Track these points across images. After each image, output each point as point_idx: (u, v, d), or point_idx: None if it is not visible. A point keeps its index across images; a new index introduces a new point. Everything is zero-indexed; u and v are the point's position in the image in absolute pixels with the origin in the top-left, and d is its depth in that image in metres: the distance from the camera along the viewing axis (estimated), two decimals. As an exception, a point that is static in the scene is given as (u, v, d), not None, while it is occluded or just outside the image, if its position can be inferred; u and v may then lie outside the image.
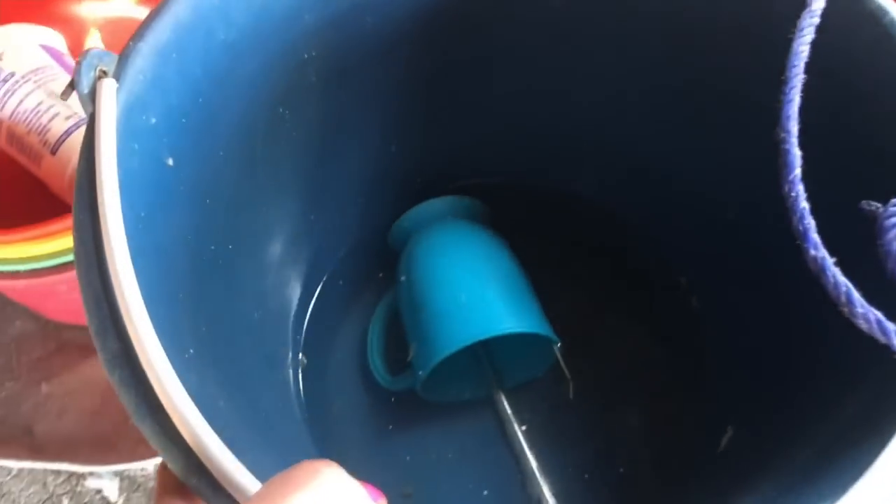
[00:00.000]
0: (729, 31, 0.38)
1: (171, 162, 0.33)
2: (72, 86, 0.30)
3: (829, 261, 0.25)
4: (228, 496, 0.22)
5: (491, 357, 0.50)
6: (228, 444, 0.22)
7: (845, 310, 0.24)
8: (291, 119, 0.42)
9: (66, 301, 0.51)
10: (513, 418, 0.47)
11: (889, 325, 0.24)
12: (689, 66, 0.41)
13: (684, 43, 0.40)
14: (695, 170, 0.46)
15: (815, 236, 0.26)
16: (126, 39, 0.31)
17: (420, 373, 0.44)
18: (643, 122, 0.46)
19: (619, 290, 0.51)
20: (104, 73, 0.30)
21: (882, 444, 0.24)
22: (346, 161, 0.47)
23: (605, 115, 0.48)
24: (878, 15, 0.31)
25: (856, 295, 0.24)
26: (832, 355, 0.34)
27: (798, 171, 0.27)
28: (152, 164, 0.31)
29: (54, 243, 0.44)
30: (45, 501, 0.51)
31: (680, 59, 0.41)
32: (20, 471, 0.52)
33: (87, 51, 0.30)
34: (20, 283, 0.46)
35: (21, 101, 0.48)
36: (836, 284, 0.25)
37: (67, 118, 0.48)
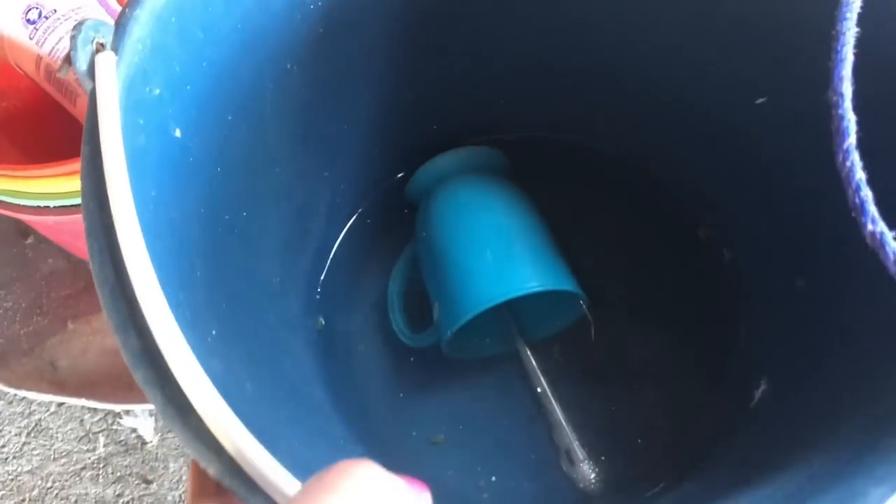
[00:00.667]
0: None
1: (178, 133, 0.31)
2: (68, 61, 0.28)
3: (889, 235, 0.24)
4: (265, 495, 0.22)
5: (514, 312, 0.49)
6: (260, 436, 0.22)
7: None
8: (300, 74, 0.40)
9: (94, 239, 0.51)
10: (538, 370, 0.47)
11: None
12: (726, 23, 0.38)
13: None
14: (723, 106, 0.44)
15: (872, 209, 0.24)
16: None
17: (448, 331, 0.43)
18: (668, 56, 0.44)
19: (646, 242, 0.50)
20: (102, 46, 0.28)
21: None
22: (357, 115, 0.45)
23: (628, 50, 0.45)
24: None
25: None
26: (879, 311, 0.32)
27: (853, 139, 0.25)
28: (160, 137, 0.30)
29: (78, 181, 0.44)
30: (81, 438, 0.52)
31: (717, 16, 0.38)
32: (59, 407, 0.53)
33: (81, 22, 0.28)
34: (50, 220, 0.46)
35: (61, 39, 0.47)
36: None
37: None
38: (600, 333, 0.47)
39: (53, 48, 0.48)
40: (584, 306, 0.45)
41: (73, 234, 0.52)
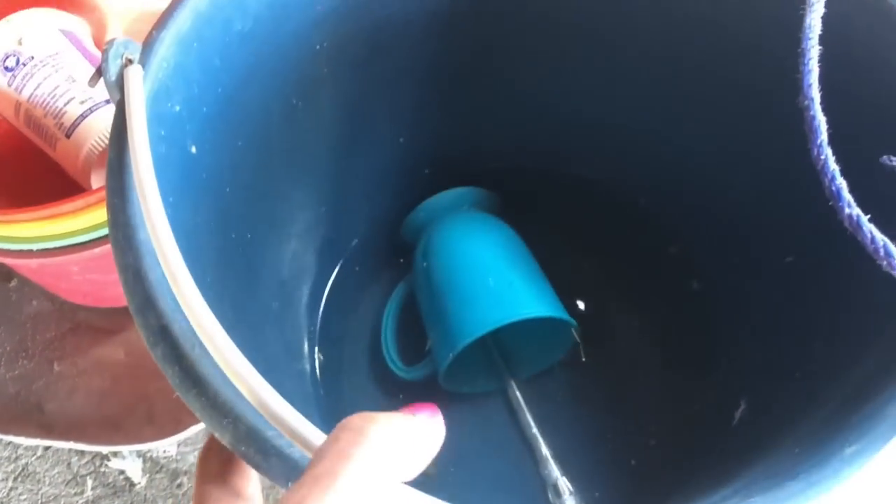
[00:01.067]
0: (733, 18, 0.39)
1: (194, 149, 0.33)
2: (99, 73, 0.30)
3: (864, 217, 0.26)
4: (279, 461, 0.22)
5: (503, 347, 0.50)
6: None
7: (884, 263, 0.25)
8: (304, 109, 0.42)
9: (78, 282, 0.51)
10: (525, 406, 0.48)
11: None
12: (692, 55, 0.42)
13: (688, 34, 0.41)
14: (699, 151, 0.47)
15: (847, 195, 0.27)
16: (148, 28, 0.31)
17: (450, 354, 0.44)
18: (649, 107, 0.47)
19: (628, 273, 0.52)
20: (130, 61, 0.30)
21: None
22: (357, 152, 0.47)
23: (613, 101, 0.48)
24: None
25: (893, 248, 0.25)
26: (842, 321, 0.35)
27: (825, 136, 0.28)
28: (178, 150, 0.31)
29: (66, 223, 0.44)
30: (69, 482, 0.51)
31: (683, 48, 0.42)
32: (45, 451, 0.52)
33: (113, 40, 0.30)
34: (33, 263, 0.46)
35: (39, 85, 0.48)
36: (873, 239, 0.25)
37: (82, 102, 0.48)
38: (585, 363, 0.48)
39: (32, 94, 0.49)
40: (574, 334, 0.47)
41: (56, 275, 0.52)
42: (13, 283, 0.58)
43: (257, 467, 0.23)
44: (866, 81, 0.33)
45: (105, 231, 0.45)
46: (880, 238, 0.26)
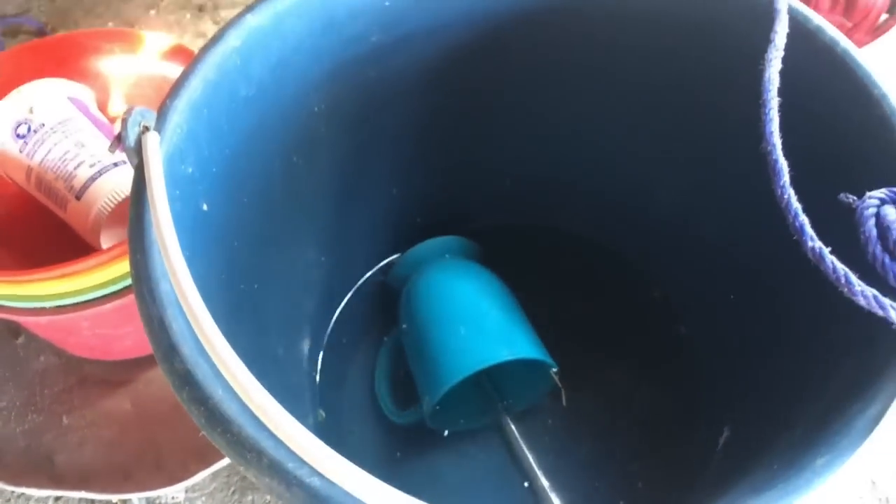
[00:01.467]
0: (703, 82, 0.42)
1: (205, 207, 0.35)
2: (118, 139, 0.32)
3: (826, 250, 0.28)
4: (300, 489, 0.24)
5: (496, 384, 0.52)
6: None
7: (845, 290, 0.28)
8: (304, 167, 0.44)
9: (87, 337, 0.52)
10: (521, 440, 0.49)
11: (884, 300, 0.27)
12: (669, 115, 0.45)
13: (667, 97, 0.44)
14: (674, 202, 0.49)
15: (810, 230, 0.29)
16: (150, 93, 0.34)
17: (428, 405, 0.46)
18: (626, 164, 0.50)
19: (611, 318, 0.54)
20: (147, 129, 0.32)
21: (873, 403, 0.27)
22: (353, 205, 0.49)
23: (592, 157, 0.51)
24: (831, 45, 0.35)
25: (853, 277, 0.28)
26: (811, 350, 0.37)
27: (787, 178, 0.31)
28: (191, 208, 0.34)
29: (79, 281, 0.46)
30: (79, 530, 0.52)
31: (661, 109, 0.45)
32: (56, 501, 0.52)
33: (132, 109, 0.32)
34: (44, 319, 0.48)
35: (50, 150, 0.50)
36: (835, 269, 0.28)
37: (92, 166, 0.50)
38: (575, 400, 0.50)
39: (44, 159, 0.51)
40: (554, 375, 0.48)
41: (66, 331, 0.54)
42: (20, 340, 0.59)
43: (280, 496, 0.24)
44: (823, 127, 0.36)
45: (115, 287, 0.47)
46: (841, 268, 0.28)
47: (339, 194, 0.48)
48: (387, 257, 0.54)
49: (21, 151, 0.51)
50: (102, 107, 0.57)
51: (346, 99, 0.44)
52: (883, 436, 0.26)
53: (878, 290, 0.27)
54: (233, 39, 0.36)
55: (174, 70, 0.59)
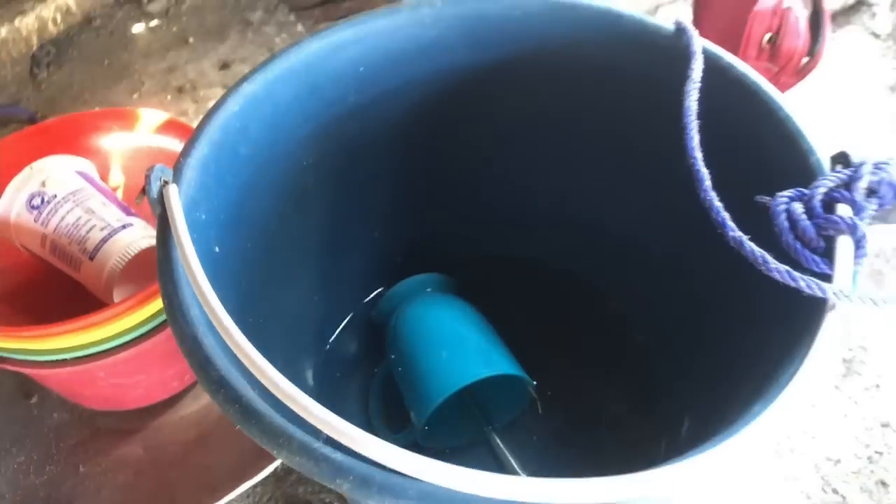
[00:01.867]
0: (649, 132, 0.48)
1: (217, 249, 0.40)
2: (143, 192, 0.37)
3: (745, 237, 0.34)
4: (327, 464, 0.28)
5: (479, 403, 0.56)
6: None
7: (763, 268, 0.33)
8: (296, 216, 0.49)
9: (102, 387, 0.56)
10: (506, 452, 0.53)
11: (796, 273, 0.32)
12: (612, 154, 0.51)
13: (608, 140, 0.50)
14: (622, 227, 0.55)
15: (731, 223, 0.35)
16: (145, 163, 0.39)
17: (418, 423, 0.50)
18: (583, 198, 0.55)
19: (577, 333, 0.59)
20: (166, 182, 0.37)
21: (797, 356, 0.32)
22: (339, 247, 0.54)
23: (550, 195, 0.57)
24: (741, 78, 0.42)
25: (768, 256, 0.33)
26: (748, 333, 0.42)
27: (708, 182, 0.36)
28: (206, 251, 0.38)
29: (97, 332, 0.50)
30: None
31: (604, 150, 0.51)
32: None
33: (154, 166, 0.37)
34: (65, 371, 0.52)
35: (63, 218, 0.55)
36: (753, 252, 0.33)
37: (102, 229, 0.54)
38: (551, 410, 0.54)
39: (57, 226, 0.55)
40: (531, 390, 0.53)
41: (83, 383, 0.57)
42: (34, 400, 0.62)
43: (310, 473, 0.28)
44: (739, 145, 0.42)
45: (129, 336, 0.51)
46: (759, 252, 0.33)
47: (327, 239, 0.53)
48: (372, 292, 0.59)
49: (36, 221, 0.55)
50: (104, 178, 0.62)
51: (330, 153, 0.50)
52: (805, 385, 0.31)
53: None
54: (232, 105, 0.42)
55: (166, 141, 0.64)
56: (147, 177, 0.37)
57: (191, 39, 1.05)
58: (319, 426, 0.28)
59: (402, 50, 0.48)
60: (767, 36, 1.15)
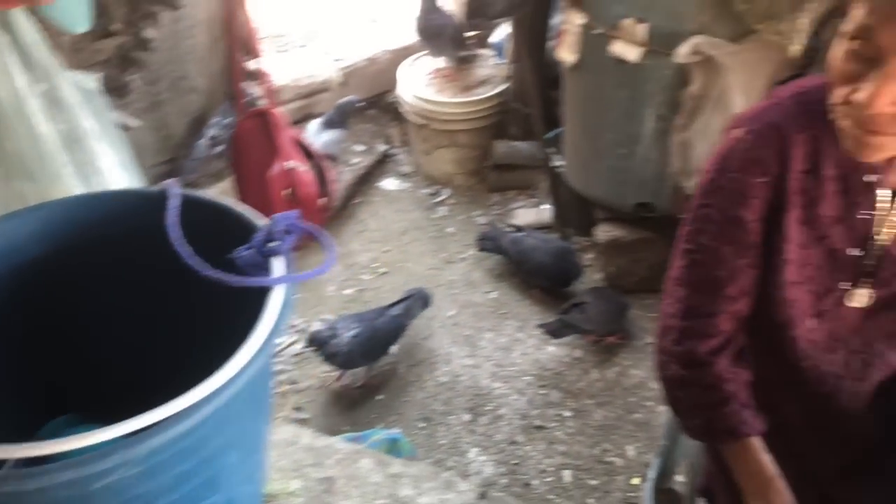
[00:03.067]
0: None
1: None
2: None
3: (209, 269, 0.59)
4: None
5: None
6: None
7: (225, 281, 0.59)
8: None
9: None
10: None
11: (233, 277, 0.59)
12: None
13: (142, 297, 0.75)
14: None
15: (201, 264, 0.61)
16: None
17: None
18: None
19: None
20: None
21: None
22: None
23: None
24: (213, 202, 0.69)
25: (223, 274, 0.58)
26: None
27: (189, 251, 0.61)
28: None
29: None
30: None
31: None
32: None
33: None
34: None
35: None
36: (213, 272, 0.59)
37: None
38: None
39: None
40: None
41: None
42: None
43: None
44: (216, 233, 0.68)
45: None
46: (216, 273, 0.60)
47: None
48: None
49: None
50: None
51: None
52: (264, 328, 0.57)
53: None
54: None
55: None
56: None
57: None
58: None
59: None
60: (289, 190, 1.54)
